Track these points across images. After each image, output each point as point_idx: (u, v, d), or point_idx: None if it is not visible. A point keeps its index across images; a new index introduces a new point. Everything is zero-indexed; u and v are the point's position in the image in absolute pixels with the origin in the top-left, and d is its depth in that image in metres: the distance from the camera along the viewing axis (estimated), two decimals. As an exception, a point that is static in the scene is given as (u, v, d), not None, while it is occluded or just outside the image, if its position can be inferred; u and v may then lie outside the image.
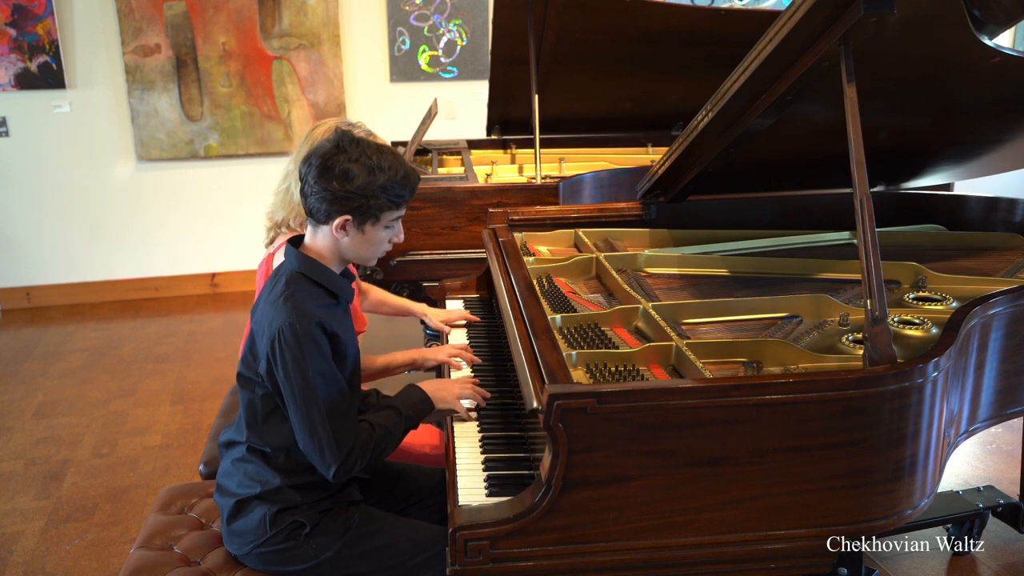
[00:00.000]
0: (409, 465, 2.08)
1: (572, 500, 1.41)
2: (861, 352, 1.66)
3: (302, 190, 1.70)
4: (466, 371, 2.13)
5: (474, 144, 4.17)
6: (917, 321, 1.91)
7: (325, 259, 1.73)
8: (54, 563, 2.66)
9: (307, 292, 1.68)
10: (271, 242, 2.27)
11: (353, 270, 2.43)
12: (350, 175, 1.63)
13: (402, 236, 1.79)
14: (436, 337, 2.55)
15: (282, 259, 1.79)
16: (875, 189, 2.69)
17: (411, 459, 2.23)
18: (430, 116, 3.74)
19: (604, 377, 1.67)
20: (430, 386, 1.87)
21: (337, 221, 1.67)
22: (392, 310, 2.63)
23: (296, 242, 1.77)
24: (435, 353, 2.17)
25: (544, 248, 2.61)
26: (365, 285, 2.63)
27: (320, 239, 1.73)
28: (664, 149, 3.31)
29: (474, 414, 1.90)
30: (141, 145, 5.12)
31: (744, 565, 1.49)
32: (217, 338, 4.64)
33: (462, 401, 1.89)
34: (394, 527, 1.78)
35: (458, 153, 4.07)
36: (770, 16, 3.45)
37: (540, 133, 3.44)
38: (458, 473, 1.65)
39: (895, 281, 2.22)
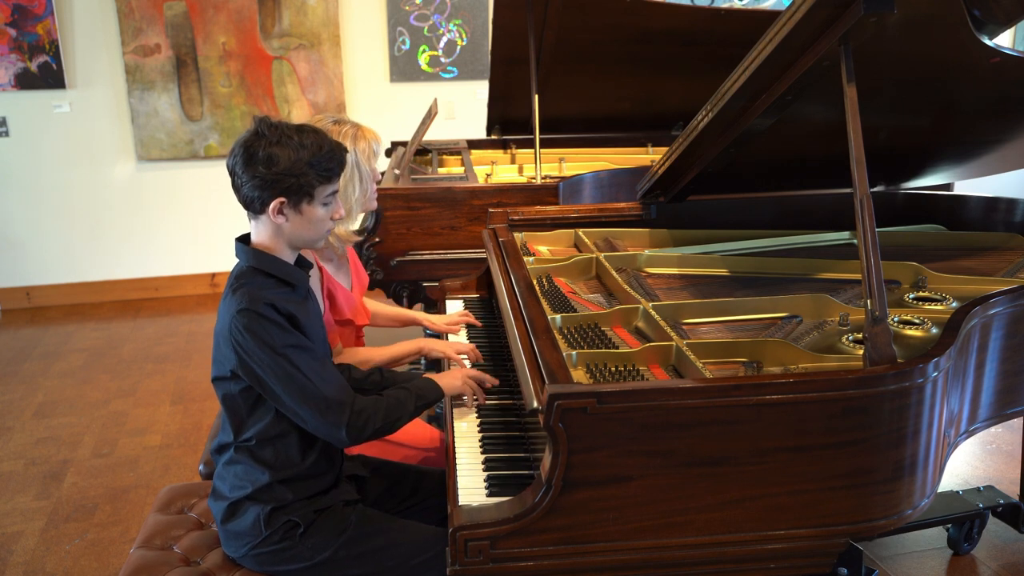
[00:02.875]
0: (410, 466, 2.08)
1: (572, 500, 1.40)
2: (861, 352, 1.66)
3: (233, 183, 1.70)
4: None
5: (474, 144, 4.17)
6: (917, 321, 1.91)
7: (273, 249, 1.72)
8: (54, 563, 2.66)
9: (258, 283, 1.68)
10: None
11: (362, 270, 2.42)
12: (274, 157, 1.63)
13: (342, 212, 1.78)
14: (437, 337, 2.55)
15: None
16: (875, 189, 2.69)
17: (411, 459, 2.23)
18: (430, 116, 3.74)
19: (604, 377, 1.67)
20: (436, 375, 1.91)
21: (273, 205, 1.66)
22: (387, 321, 2.56)
23: (246, 240, 1.77)
24: (443, 347, 2.16)
25: (544, 248, 2.61)
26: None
27: (262, 230, 1.72)
28: (664, 149, 3.31)
29: (475, 412, 1.90)
30: (141, 145, 5.13)
31: (744, 565, 1.49)
32: (217, 338, 4.64)
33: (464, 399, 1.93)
34: (392, 528, 1.77)
35: (458, 153, 4.07)
36: (770, 16, 3.46)
37: (540, 133, 3.44)
38: (458, 473, 1.65)
39: (895, 281, 2.22)
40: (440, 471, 2.03)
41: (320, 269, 2.18)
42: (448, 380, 1.89)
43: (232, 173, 1.69)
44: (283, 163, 1.63)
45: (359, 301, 2.33)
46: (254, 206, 1.69)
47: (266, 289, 1.67)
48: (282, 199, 1.66)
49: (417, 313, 2.54)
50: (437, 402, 1.88)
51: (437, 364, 2.49)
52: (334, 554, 1.71)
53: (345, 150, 1.74)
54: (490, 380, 1.95)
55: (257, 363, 1.63)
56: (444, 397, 1.89)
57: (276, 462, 1.71)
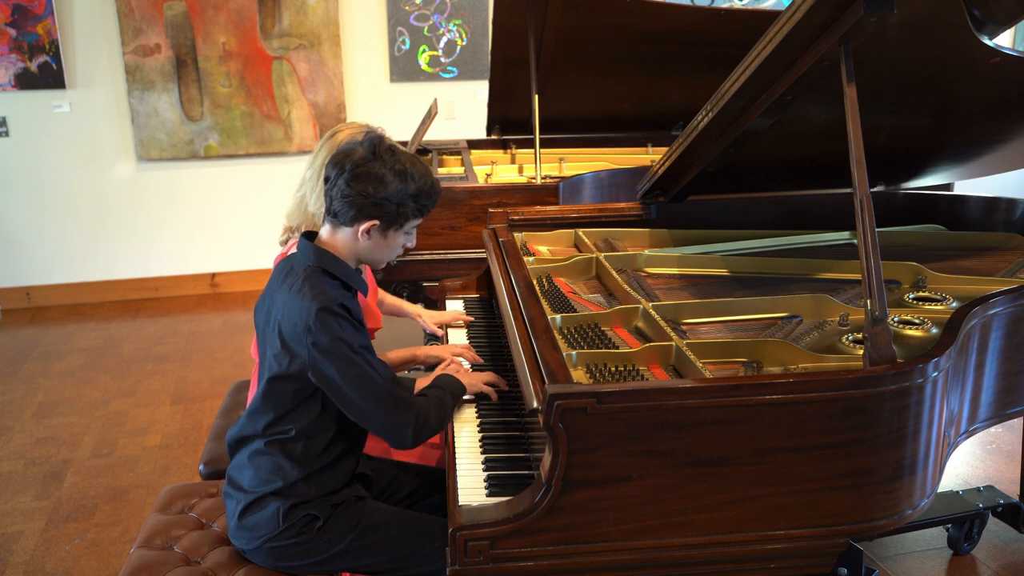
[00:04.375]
0: (408, 464, 2.08)
1: (572, 500, 1.41)
2: (861, 352, 1.66)
3: (328, 191, 1.72)
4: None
5: (474, 144, 4.17)
6: (917, 321, 1.91)
7: (340, 254, 1.77)
8: (54, 563, 2.66)
9: (326, 283, 1.71)
10: (285, 242, 2.28)
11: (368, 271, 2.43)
12: (385, 181, 1.68)
13: (415, 242, 1.83)
14: (437, 337, 2.55)
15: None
16: (875, 189, 2.69)
17: (412, 457, 2.23)
18: (430, 116, 3.74)
19: (604, 377, 1.67)
20: (457, 374, 1.96)
21: (364, 225, 1.71)
22: (386, 309, 2.61)
23: (308, 236, 1.79)
24: (439, 351, 2.17)
25: (544, 248, 2.61)
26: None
27: (340, 238, 1.75)
28: (664, 149, 3.31)
29: (475, 412, 1.90)
30: (141, 145, 5.12)
31: (744, 565, 1.49)
32: (217, 338, 4.64)
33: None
34: (402, 519, 1.79)
35: (458, 153, 4.07)
36: (770, 16, 3.45)
37: (540, 133, 3.44)
38: (458, 473, 1.65)
39: (895, 281, 2.22)
40: (436, 469, 2.04)
41: None
42: (468, 379, 1.94)
43: (330, 182, 1.70)
44: (391, 189, 1.68)
45: (373, 306, 2.34)
46: (344, 218, 1.71)
47: (332, 290, 1.69)
48: (375, 222, 1.71)
49: (411, 306, 2.55)
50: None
51: (438, 339, 2.50)
52: (348, 546, 1.73)
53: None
54: (503, 384, 1.98)
55: (333, 362, 1.63)
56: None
57: (305, 458, 1.72)
